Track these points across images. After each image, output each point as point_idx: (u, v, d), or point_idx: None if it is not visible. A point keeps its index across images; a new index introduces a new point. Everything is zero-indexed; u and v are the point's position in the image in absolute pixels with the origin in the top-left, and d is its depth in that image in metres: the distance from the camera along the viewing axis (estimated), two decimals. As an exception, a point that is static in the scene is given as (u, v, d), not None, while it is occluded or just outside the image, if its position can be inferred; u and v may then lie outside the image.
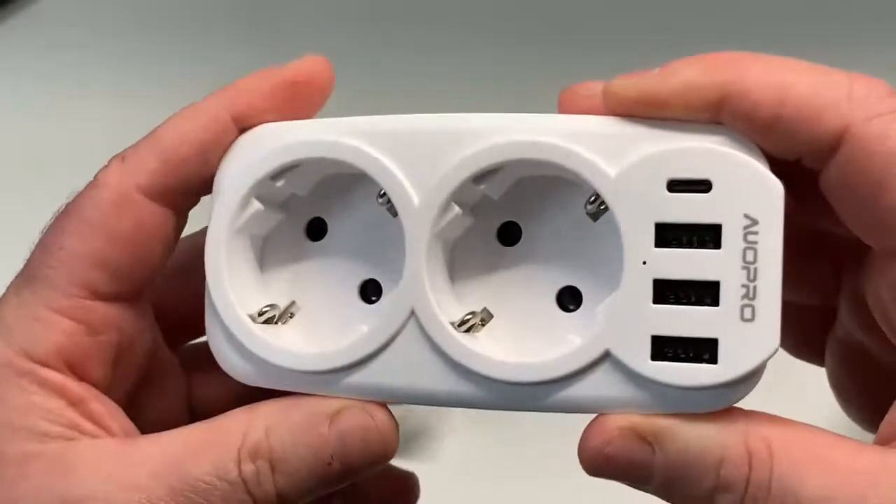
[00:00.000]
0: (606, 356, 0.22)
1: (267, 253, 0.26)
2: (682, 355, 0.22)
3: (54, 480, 0.23)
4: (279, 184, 0.25)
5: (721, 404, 0.22)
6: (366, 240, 0.26)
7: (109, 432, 0.25)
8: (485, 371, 0.23)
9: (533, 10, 0.65)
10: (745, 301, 0.22)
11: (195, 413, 0.30)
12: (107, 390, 0.26)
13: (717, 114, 0.23)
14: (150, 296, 0.27)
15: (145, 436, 0.25)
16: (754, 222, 0.22)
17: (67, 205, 0.26)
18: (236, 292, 0.25)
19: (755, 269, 0.22)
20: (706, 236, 0.22)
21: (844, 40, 0.56)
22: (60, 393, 0.25)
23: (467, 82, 0.60)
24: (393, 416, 0.25)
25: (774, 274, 0.22)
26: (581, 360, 0.23)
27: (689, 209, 0.22)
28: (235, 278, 0.25)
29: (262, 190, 0.25)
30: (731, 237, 0.22)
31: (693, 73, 0.23)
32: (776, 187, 0.22)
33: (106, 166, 0.26)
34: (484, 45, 0.64)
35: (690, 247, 0.22)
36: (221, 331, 0.25)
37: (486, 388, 0.23)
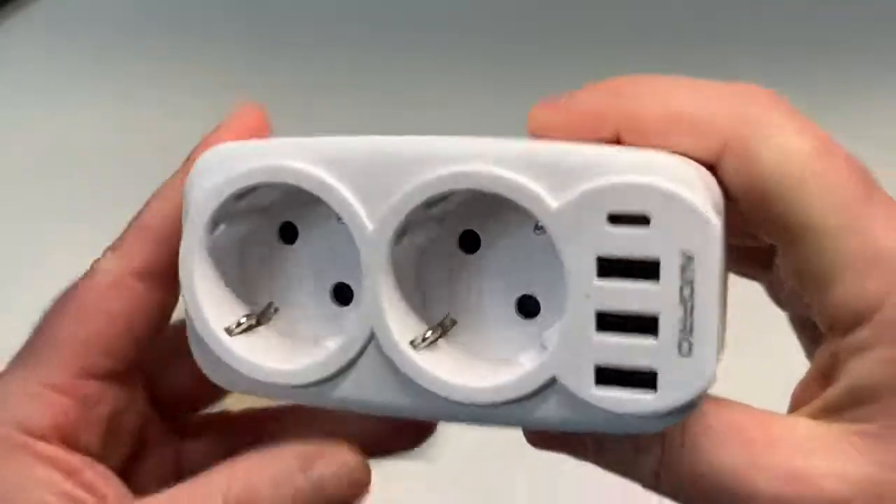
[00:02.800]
0: (553, 382, 0.23)
1: (244, 256, 0.27)
2: (624, 383, 0.23)
3: None
4: (243, 203, 0.26)
5: (657, 428, 0.23)
6: (334, 246, 0.27)
7: (104, 500, 0.27)
8: (439, 391, 0.24)
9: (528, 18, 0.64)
10: (683, 336, 0.22)
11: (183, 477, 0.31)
12: (101, 458, 0.28)
13: (618, 137, 0.25)
14: (142, 370, 0.29)
15: (137, 500, 0.27)
16: (690, 259, 0.22)
17: (66, 290, 0.28)
18: (212, 308, 0.26)
19: (692, 306, 0.22)
20: (646, 270, 0.22)
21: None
22: (55, 465, 0.26)
23: (463, 85, 0.60)
24: (363, 458, 0.27)
25: (710, 310, 0.22)
26: (530, 386, 0.24)
27: (629, 243, 0.22)
28: (210, 294, 0.26)
29: (227, 209, 0.26)
30: (669, 273, 0.22)
31: (590, 101, 0.25)
32: (712, 225, 0.22)
33: (101, 257, 0.28)
34: (483, 49, 0.63)
35: (631, 279, 0.23)
36: (200, 346, 0.26)
37: (441, 406, 0.25)
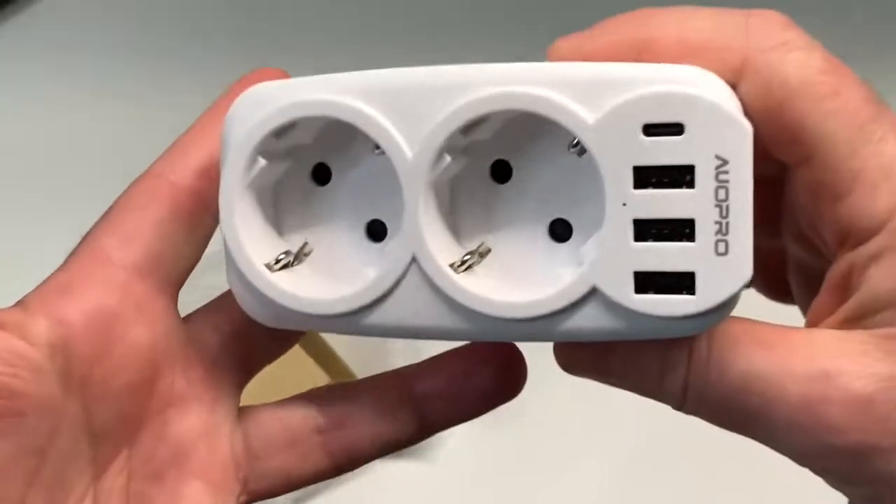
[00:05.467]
0: (594, 292, 0.24)
1: (278, 198, 0.28)
2: (663, 288, 0.24)
3: None
4: (281, 140, 0.27)
5: (698, 329, 0.24)
6: (367, 183, 0.28)
7: None
8: (482, 309, 0.25)
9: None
10: (719, 237, 0.23)
11: None
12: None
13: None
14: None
15: None
16: (724, 162, 0.23)
17: None
18: (252, 244, 0.27)
19: (727, 207, 0.23)
20: (681, 177, 0.23)
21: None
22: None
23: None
24: None
25: (745, 210, 0.23)
26: (571, 297, 0.24)
27: (663, 152, 0.23)
28: (250, 231, 0.27)
29: (266, 147, 0.26)
30: (704, 177, 0.23)
31: (610, 33, 0.26)
32: (745, 129, 0.23)
33: None
34: (476, 53, 0.65)
35: (667, 187, 0.24)
36: (241, 281, 0.27)
37: (484, 324, 0.25)
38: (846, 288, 0.26)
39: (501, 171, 0.27)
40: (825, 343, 0.25)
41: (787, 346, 0.25)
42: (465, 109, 0.25)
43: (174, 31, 0.69)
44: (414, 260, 0.25)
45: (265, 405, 0.30)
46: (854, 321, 0.26)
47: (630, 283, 0.24)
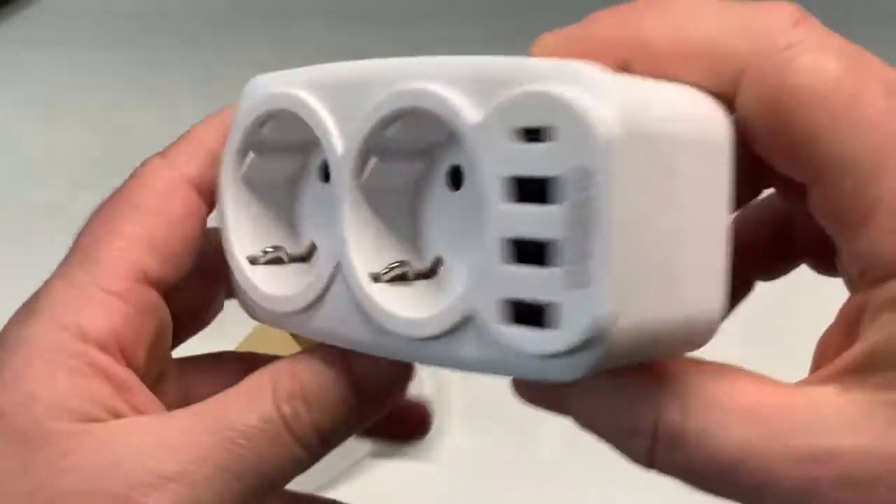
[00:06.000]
0: (470, 317, 0.21)
1: (297, 194, 0.28)
2: (530, 320, 0.20)
3: (100, 452, 0.24)
4: (266, 131, 0.27)
5: (572, 374, 0.20)
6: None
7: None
8: (384, 323, 0.23)
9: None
10: (578, 263, 0.19)
11: None
12: (143, 376, 0.26)
13: (629, 67, 0.22)
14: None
15: (178, 409, 0.26)
16: (588, 175, 0.19)
17: (112, 195, 0.27)
18: (238, 236, 0.27)
19: (589, 228, 0.19)
20: (547, 190, 0.20)
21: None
22: (107, 377, 0.25)
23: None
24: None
25: (610, 234, 0.19)
26: (448, 320, 0.22)
27: (530, 161, 0.20)
28: (241, 222, 0.27)
29: (256, 139, 0.27)
30: (565, 192, 0.19)
31: (596, 30, 0.23)
32: (609, 137, 0.19)
33: (148, 161, 0.28)
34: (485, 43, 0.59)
35: (535, 203, 0.20)
36: (230, 271, 0.28)
37: (388, 340, 0.23)
38: (858, 326, 0.21)
39: (456, 177, 0.25)
40: (823, 410, 0.21)
41: (780, 413, 0.21)
42: (378, 107, 0.23)
43: (174, 31, 0.69)
44: (339, 265, 0.24)
45: None
46: (859, 373, 0.21)
47: (497, 312, 0.21)
